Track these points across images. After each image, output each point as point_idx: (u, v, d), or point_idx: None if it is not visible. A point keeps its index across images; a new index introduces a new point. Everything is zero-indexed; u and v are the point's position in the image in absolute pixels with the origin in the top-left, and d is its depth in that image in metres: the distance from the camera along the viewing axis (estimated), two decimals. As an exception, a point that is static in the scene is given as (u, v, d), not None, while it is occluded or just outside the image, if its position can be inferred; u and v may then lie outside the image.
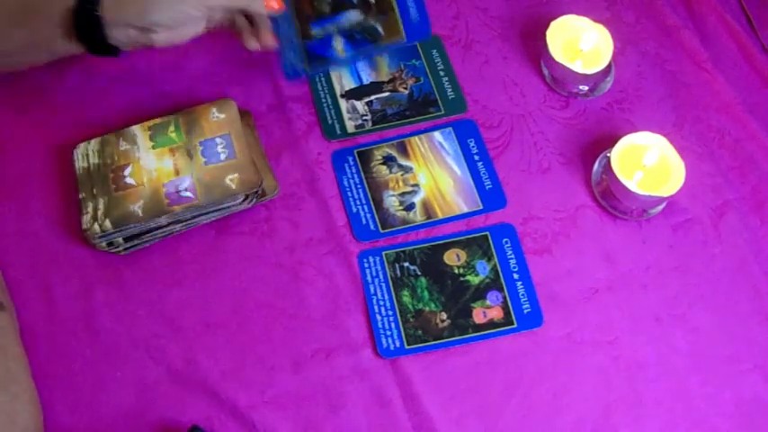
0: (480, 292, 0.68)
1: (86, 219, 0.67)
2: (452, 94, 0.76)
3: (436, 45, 0.78)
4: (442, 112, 0.75)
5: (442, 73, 0.77)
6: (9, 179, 0.73)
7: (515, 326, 0.66)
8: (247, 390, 0.65)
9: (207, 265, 0.69)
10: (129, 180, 0.68)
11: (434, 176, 0.73)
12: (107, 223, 0.66)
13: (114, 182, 0.69)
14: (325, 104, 0.76)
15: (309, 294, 0.68)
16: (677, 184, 0.67)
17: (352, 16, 0.71)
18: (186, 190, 0.68)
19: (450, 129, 0.75)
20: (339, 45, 0.69)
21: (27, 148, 0.74)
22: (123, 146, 0.71)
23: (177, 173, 0.69)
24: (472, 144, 0.74)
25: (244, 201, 0.69)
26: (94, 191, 0.68)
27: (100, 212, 0.67)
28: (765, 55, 0.78)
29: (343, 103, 0.76)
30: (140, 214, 0.66)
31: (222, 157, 0.69)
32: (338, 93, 0.76)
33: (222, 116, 0.71)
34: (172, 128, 0.71)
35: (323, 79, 0.77)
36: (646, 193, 0.66)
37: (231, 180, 0.67)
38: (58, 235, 0.70)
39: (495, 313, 0.67)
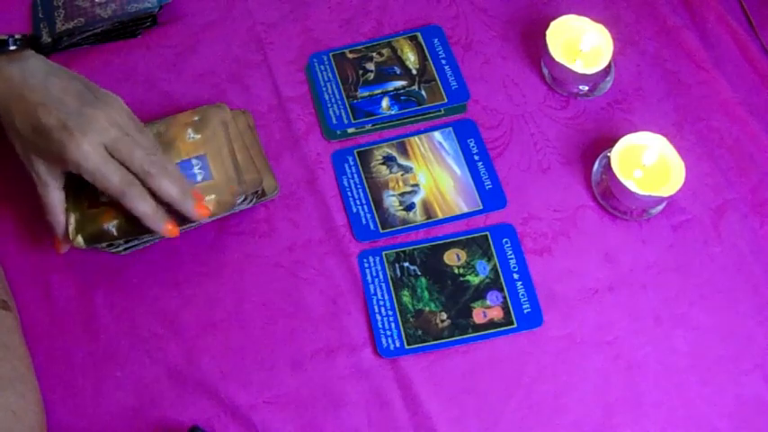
0: (480, 292, 0.68)
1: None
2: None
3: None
4: (442, 112, 0.76)
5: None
6: (9, 179, 0.73)
7: (515, 326, 0.66)
8: (247, 390, 0.65)
9: (207, 265, 0.69)
10: (103, 198, 0.65)
11: (434, 176, 0.73)
12: (79, 239, 0.64)
13: (87, 198, 0.66)
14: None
15: (309, 294, 0.68)
16: (677, 184, 0.67)
17: (398, 84, 0.76)
18: None
19: (450, 129, 0.75)
20: (385, 103, 0.75)
21: (27, 148, 0.74)
22: None
23: None
24: (472, 144, 0.74)
25: (244, 201, 0.69)
26: (67, 206, 0.66)
27: (71, 228, 0.65)
28: (765, 55, 0.78)
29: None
30: (115, 233, 0.65)
31: (199, 178, 0.67)
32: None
33: (198, 137, 0.68)
34: None
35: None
36: (646, 193, 0.66)
37: (208, 201, 0.66)
38: (58, 235, 0.70)
39: (495, 313, 0.67)
